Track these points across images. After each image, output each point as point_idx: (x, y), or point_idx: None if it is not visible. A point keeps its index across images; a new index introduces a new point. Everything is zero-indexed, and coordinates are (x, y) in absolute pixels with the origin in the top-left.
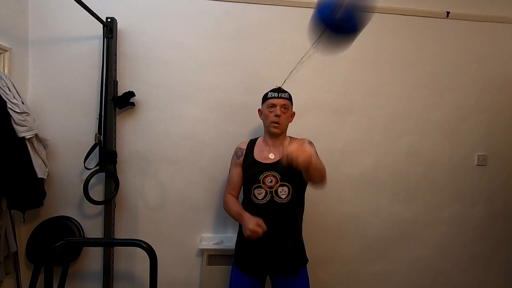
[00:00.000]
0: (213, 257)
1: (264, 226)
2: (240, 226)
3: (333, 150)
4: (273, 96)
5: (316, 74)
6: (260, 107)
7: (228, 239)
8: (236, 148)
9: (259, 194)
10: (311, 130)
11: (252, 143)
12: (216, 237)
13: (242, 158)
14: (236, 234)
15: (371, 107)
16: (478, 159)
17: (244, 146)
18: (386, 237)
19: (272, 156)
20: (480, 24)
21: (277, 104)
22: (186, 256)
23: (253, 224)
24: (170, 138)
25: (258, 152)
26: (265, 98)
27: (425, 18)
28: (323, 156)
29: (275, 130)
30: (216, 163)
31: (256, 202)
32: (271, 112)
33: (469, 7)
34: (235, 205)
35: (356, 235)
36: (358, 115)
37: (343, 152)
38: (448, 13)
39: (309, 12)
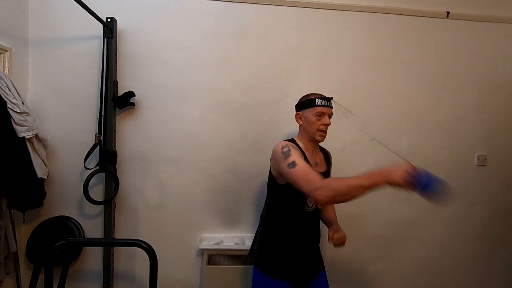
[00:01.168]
0: (213, 257)
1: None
2: (265, 229)
3: (333, 150)
4: (322, 104)
5: (315, 74)
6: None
7: (228, 239)
8: (290, 145)
9: (310, 201)
10: None
11: (298, 146)
12: (216, 237)
13: None
14: (264, 236)
15: (371, 107)
16: (478, 159)
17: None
18: (386, 237)
19: (317, 165)
20: (480, 24)
21: (326, 112)
22: (186, 256)
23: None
24: (170, 138)
25: (309, 158)
26: (312, 104)
27: (425, 18)
28: None
29: (321, 139)
30: (216, 163)
31: (306, 210)
32: (319, 120)
33: (469, 7)
34: (345, 178)
35: (356, 235)
36: (358, 115)
37: (343, 152)
38: (448, 13)
39: (309, 12)
